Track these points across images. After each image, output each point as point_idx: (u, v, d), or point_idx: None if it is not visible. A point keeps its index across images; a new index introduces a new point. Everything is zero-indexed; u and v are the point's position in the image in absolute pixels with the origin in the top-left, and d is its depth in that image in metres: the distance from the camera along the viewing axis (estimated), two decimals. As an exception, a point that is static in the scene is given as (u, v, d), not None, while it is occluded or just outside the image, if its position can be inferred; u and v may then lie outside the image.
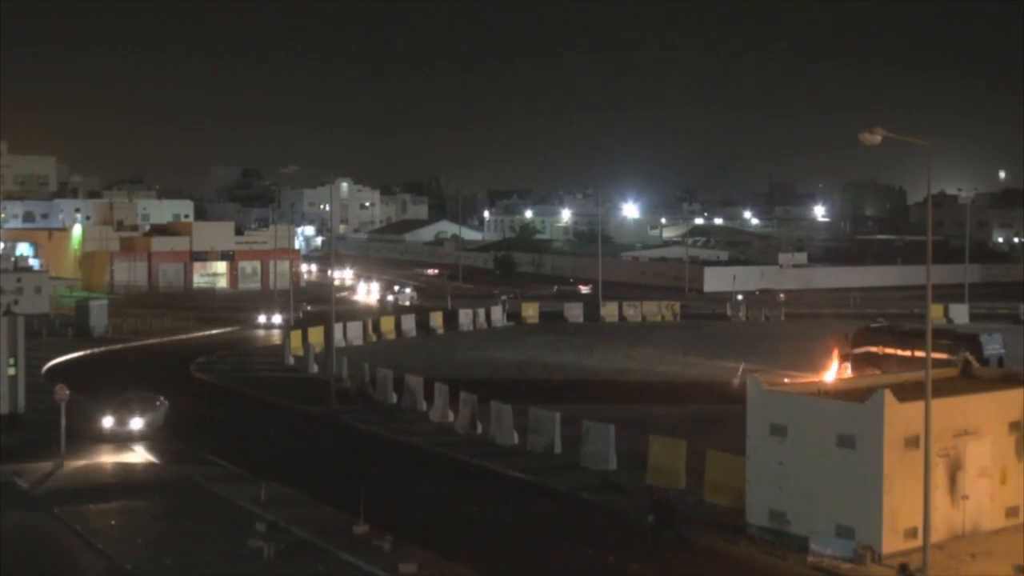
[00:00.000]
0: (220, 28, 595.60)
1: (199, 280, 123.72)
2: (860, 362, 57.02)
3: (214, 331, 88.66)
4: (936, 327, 61.50)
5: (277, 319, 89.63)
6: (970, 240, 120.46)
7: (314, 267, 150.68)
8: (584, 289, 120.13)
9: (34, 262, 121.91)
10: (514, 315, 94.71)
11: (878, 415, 30.97)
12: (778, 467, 32.93)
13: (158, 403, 49.60)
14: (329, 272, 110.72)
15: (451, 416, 50.27)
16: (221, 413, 55.42)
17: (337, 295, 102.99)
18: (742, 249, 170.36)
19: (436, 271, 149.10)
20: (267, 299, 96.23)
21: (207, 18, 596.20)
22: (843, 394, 34.60)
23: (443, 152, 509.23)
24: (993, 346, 55.90)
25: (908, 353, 54.10)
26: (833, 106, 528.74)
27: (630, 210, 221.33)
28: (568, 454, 43.27)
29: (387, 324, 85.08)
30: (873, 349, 57.80)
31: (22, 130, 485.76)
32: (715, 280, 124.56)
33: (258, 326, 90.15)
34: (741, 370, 59.10)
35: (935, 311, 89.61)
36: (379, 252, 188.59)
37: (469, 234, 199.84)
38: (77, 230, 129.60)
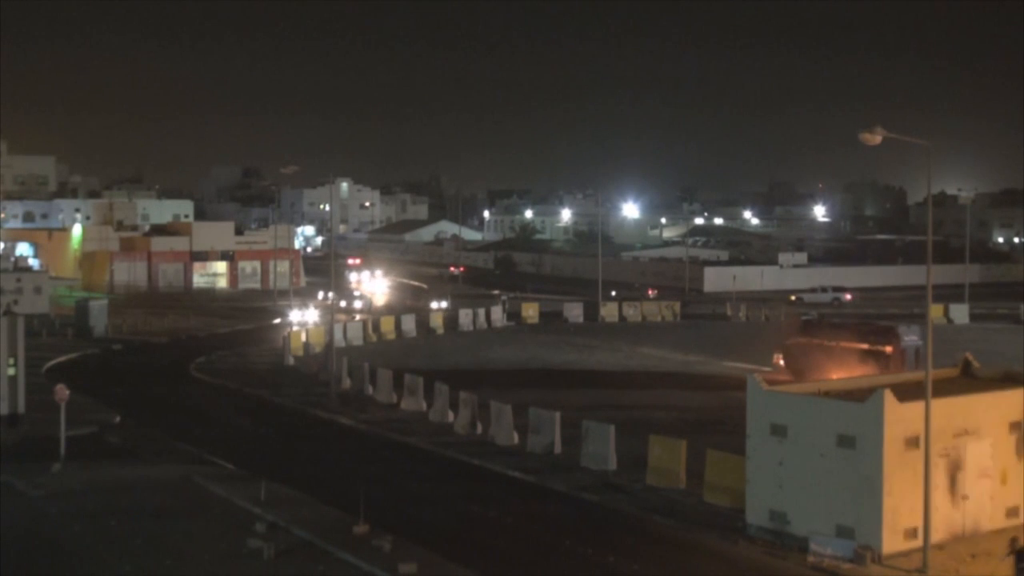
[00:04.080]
0: (220, 28, 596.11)
1: (199, 280, 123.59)
2: (793, 351, 60.97)
3: (243, 327, 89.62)
4: (856, 320, 65.09)
5: (312, 315, 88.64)
6: (970, 240, 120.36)
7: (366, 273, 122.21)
8: (454, 271, 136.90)
9: (34, 262, 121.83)
10: (514, 315, 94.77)
11: (878, 415, 30.96)
12: (778, 467, 32.92)
13: None
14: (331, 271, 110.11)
15: (451, 416, 50.25)
16: (221, 413, 55.41)
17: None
18: (742, 249, 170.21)
19: (357, 260, 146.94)
20: (301, 294, 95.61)
21: (207, 18, 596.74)
22: (843, 394, 34.59)
23: (443, 152, 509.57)
24: (910, 337, 58.69)
25: (833, 343, 58.78)
26: (834, 106, 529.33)
27: (630, 210, 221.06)
28: (568, 454, 43.28)
29: (387, 324, 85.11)
30: (802, 340, 61.69)
31: (22, 130, 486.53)
32: (715, 280, 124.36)
33: (290, 324, 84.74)
34: None
35: (935, 311, 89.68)
36: (379, 252, 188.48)
37: (469, 234, 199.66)
38: (77, 230, 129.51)
